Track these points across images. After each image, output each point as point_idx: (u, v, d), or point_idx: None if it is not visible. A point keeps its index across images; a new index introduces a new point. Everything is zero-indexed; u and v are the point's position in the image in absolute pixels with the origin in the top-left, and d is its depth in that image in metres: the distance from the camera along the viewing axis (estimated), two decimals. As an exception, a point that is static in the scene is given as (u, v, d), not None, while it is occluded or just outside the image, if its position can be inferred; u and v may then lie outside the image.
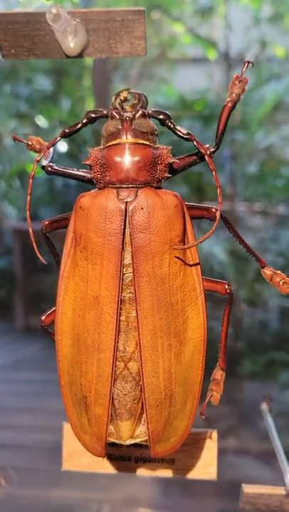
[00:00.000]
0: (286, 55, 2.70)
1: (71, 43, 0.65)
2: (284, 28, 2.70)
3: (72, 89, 2.95)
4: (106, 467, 0.68)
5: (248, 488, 0.76)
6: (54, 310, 0.55)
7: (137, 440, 0.53)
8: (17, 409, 1.78)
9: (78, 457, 0.68)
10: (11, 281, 2.60)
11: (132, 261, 0.51)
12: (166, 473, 0.67)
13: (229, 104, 0.55)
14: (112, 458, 0.67)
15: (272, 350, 2.07)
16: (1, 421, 1.74)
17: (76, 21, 0.65)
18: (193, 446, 0.67)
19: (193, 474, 0.66)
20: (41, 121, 2.80)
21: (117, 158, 0.51)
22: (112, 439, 0.54)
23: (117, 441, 0.53)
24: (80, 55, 0.67)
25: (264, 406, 0.90)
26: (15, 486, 1.00)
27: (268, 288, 2.24)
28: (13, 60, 0.68)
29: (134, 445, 0.63)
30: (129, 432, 0.53)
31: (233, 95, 0.56)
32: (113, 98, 0.54)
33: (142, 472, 0.67)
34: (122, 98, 0.53)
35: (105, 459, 0.67)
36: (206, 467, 0.66)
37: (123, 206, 0.50)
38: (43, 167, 0.57)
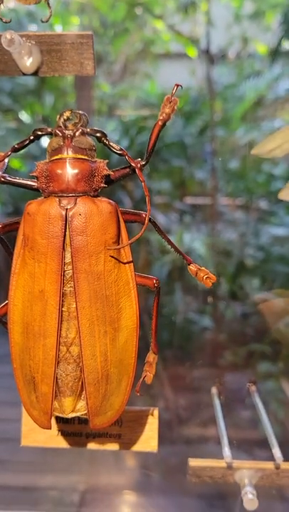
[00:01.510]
0: (267, 52, 2.74)
1: (27, 63, 0.73)
2: (265, 25, 2.75)
3: (55, 84, 2.99)
4: (60, 442, 0.76)
5: (193, 462, 0.85)
6: (7, 303, 0.63)
7: (78, 414, 0.61)
8: (3, 402, 1.85)
9: (35, 434, 0.76)
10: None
11: (72, 260, 0.59)
12: (114, 446, 0.76)
13: (160, 123, 0.63)
14: (65, 434, 0.76)
15: (252, 342, 2.14)
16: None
17: (31, 43, 0.72)
18: (137, 422, 0.75)
19: (137, 447, 0.75)
20: (24, 116, 2.84)
21: (59, 171, 0.59)
22: (56, 413, 0.62)
23: (61, 415, 0.61)
24: (36, 73, 0.74)
25: (214, 390, 0.99)
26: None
27: (249, 281, 2.30)
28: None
29: (85, 422, 0.72)
30: (71, 407, 0.61)
31: (164, 115, 0.63)
32: (57, 117, 0.61)
33: (92, 446, 0.76)
34: (64, 117, 0.61)
35: (59, 434, 0.76)
36: (148, 441, 0.75)
37: (64, 212, 0.58)
38: None
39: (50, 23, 1.67)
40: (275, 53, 2.44)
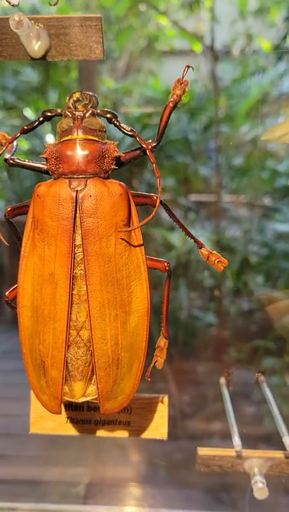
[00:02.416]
0: (272, 48, 2.73)
1: (35, 46, 0.72)
2: (270, 21, 2.74)
3: (59, 81, 2.99)
4: (69, 429, 0.75)
5: (202, 451, 0.84)
6: (16, 286, 0.62)
7: (88, 398, 0.61)
8: (5, 398, 1.85)
9: (44, 421, 0.75)
10: (-1, 272, 2.63)
11: (82, 242, 0.58)
12: (123, 433, 0.75)
13: (170, 104, 0.62)
14: (74, 421, 0.75)
15: (256, 338, 2.13)
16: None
17: (39, 26, 0.72)
18: (146, 409, 0.75)
19: (147, 434, 0.74)
20: (29, 113, 2.84)
21: (69, 152, 0.58)
22: (66, 398, 0.61)
23: (71, 400, 0.61)
24: (44, 57, 0.74)
25: (222, 380, 0.98)
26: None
27: (253, 278, 2.30)
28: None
29: (94, 409, 0.71)
30: (81, 391, 0.60)
31: (175, 96, 0.62)
32: (67, 99, 0.61)
33: (102, 433, 0.75)
34: (74, 99, 0.60)
35: (68, 422, 0.75)
36: (158, 428, 0.74)
37: (74, 194, 0.58)
38: (6, 160, 0.64)
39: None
40: (280, 50, 2.43)
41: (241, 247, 2.31)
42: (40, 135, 2.21)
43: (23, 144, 2.33)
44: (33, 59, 0.74)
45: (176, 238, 2.26)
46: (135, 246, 0.60)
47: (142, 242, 0.60)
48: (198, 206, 2.52)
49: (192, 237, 0.66)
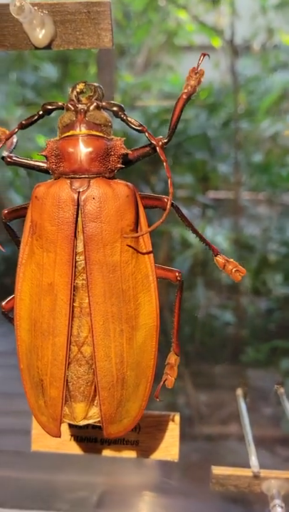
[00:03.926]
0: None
1: (39, 35, 0.66)
2: (291, 15, 2.67)
3: (78, 76, 2.96)
4: (73, 448, 0.70)
5: (216, 470, 0.78)
6: (13, 296, 0.57)
7: (90, 421, 0.55)
8: (22, 394, 1.81)
9: (46, 439, 0.70)
10: (15, 269, 2.63)
11: (84, 249, 0.52)
12: (131, 454, 0.69)
13: (184, 96, 0.56)
14: (78, 439, 0.70)
15: (275, 338, 2.08)
16: (4, 406, 1.77)
17: (43, 13, 0.66)
18: (156, 428, 0.69)
19: (156, 455, 0.69)
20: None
21: (71, 150, 0.52)
22: (66, 420, 0.56)
23: (72, 422, 0.55)
24: (49, 47, 0.68)
25: (239, 391, 0.92)
26: (5, 468, 1.02)
27: (272, 276, 2.25)
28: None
29: (100, 427, 0.65)
30: (82, 414, 0.55)
31: (189, 87, 0.56)
32: (69, 90, 0.55)
33: (108, 453, 0.70)
34: (78, 90, 0.55)
35: (72, 440, 0.70)
36: (168, 449, 0.69)
37: (76, 196, 0.52)
38: (3, 157, 0.59)
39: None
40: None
41: (260, 246, 2.27)
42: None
43: (41, 139, 2.29)
44: (37, 48, 0.68)
45: (193, 236, 2.22)
46: (143, 253, 0.54)
47: (150, 249, 0.54)
48: (216, 203, 2.48)
49: (206, 242, 0.60)
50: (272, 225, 2.43)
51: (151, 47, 2.99)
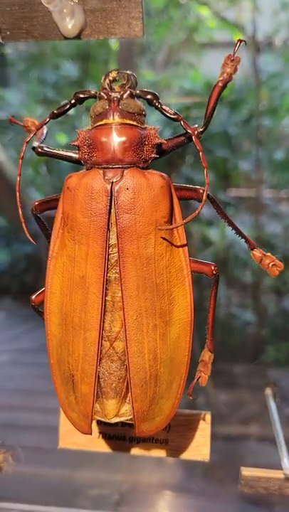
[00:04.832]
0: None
1: (69, 24, 0.65)
2: (313, 11, 2.63)
3: (98, 74, 2.95)
4: (101, 446, 0.69)
5: (246, 472, 0.76)
6: (43, 290, 0.56)
7: (122, 418, 0.54)
8: (43, 391, 1.81)
9: (74, 435, 0.69)
10: (37, 267, 2.64)
11: (118, 241, 0.51)
12: (160, 453, 0.68)
13: (220, 84, 0.55)
14: (106, 437, 0.68)
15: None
16: (28, 403, 1.77)
17: (73, 2, 0.65)
18: (186, 427, 0.67)
19: (187, 455, 0.67)
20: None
21: (104, 139, 0.51)
22: (97, 417, 0.54)
23: (103, 419, 0.54)
24: (78, 37, 0.67)
25: (268, 391, 0.90)
26: (22, 465, 1.02)
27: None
28: (13, 42, 0.68)
29: (129, 425, 0.64)
30: (114, 411, 0.53)
31: (225, 75, 0.55)
32: (102, 78, 0.54)
33: (136, 452, 0.68)
34: (110, 78, 0.53)
35: (100, 437, 0.69)
36: (199, 448, 0.67)
37: (109, 186, 0.51)
38: (34, 148, 0.58)
39: None
40: None
41: (282, 244, 2.25)
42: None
43: (62, 137, 2.29)
44: (66, 38, 0.67)
45: (214, 234, 2.20)
46: (178, 246, 0.52)
47: (185, 242, 0.53)
48: (237, 201, 2.46)
49: (243, 236, 0.58)
50: (294, 223, 2.40)
51: (172, 44, 2.97)
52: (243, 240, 0.59)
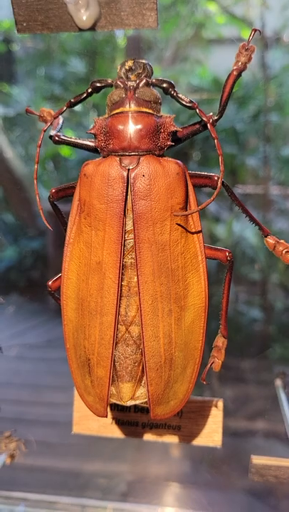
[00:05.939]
0: None
1: (84, 16, 0.66)
2: None
3: (105, 71, 2.95)
4: (114, 431, 0.70)
5: (257, 460, 0.77)
6: (60, 276, 0.57)
7: (137, 401, 0.55)
8: (51, 387, 1.82)
9: (88, 421, 0.70)
10: (44, 262, 2.65)
11: (134, 227, 0.52)
12: (172, 439, 0.69)
13: (235, 73, 0.55)
14: (119, 423, 0.69)
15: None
16: (36, 398, 1.78)
17: (88, -6, 0.66)
18: (199, 413, 0.68)
19: (199, 441, 0.68)
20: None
21: (120, 127, 0.52)
22: (113, 400, 0.55)
23: (118, 402, 0.55)
24: (93, 28, 0.68)
25: (278, 382, 0.91)
26: (31, 457, 1.03)
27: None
28: (29, 34, 0.69)
29: (142, 410, 0.65)
30: (129, 394, 0.54)
31: (239, 64, 0.55)
32: (118, 68, 0.54)
33: (149, 437, 0.69)
34: (126, 67, 0.54)
35: (113, 423, 0.70)
36: (211, 434, 0.68)
37: (125, 173, 0.51)
38: (51, 137, 0.59)
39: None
40: None
41: (289, 241, 2.24)
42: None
43: (69, 134, 2.30)
44: (81, 30, 0.68)
45: (221, 230, 2.21)
46: (192, 233, 0.53)
47: (200, 229, 0.53)
48: (244, 198, 2.44)
49: (257, 223, 0.59)
50: (302, 219, 2.39)
51: (180, 40, 2.97)
52: (256, 226, 0.60)
